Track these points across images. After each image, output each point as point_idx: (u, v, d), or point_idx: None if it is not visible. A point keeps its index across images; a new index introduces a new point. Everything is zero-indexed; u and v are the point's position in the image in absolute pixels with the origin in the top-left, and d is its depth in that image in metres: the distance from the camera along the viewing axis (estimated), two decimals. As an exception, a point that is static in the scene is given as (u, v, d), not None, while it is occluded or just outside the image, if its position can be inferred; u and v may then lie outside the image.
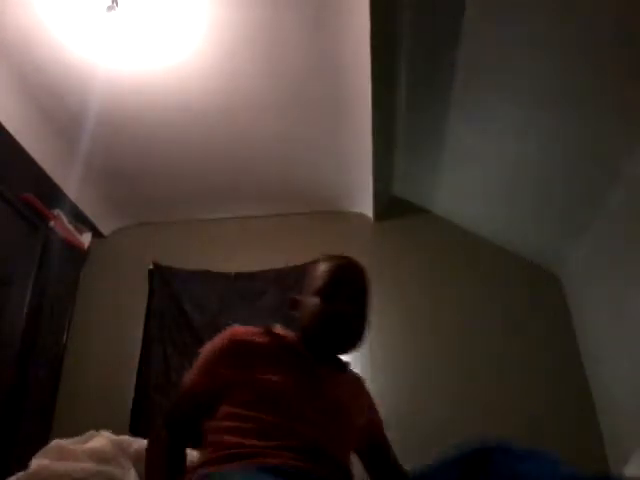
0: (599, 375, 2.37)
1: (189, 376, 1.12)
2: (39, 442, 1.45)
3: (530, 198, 2.39)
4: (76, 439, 1.43)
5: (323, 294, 1.12)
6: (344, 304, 1.11)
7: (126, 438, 1.57)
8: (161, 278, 3.00)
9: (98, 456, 1.33)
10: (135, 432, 2.44)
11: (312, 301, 1.13)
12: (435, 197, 2.86)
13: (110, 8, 1.80)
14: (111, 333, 2.92)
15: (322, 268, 1.17)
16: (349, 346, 1.14)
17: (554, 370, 2.50)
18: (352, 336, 1.13)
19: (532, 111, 1.95)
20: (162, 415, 1.16)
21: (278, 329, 1.17)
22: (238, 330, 1.14)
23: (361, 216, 3.06)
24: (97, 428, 1.67)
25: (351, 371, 1.25)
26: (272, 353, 1.09)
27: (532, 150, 2.11)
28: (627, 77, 1.65)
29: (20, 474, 1.18)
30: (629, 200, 1.98)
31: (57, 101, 2.30)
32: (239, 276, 2.96)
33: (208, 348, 1.13)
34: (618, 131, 1.83)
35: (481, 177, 2.46)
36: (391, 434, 1.29)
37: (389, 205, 2.98)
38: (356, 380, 1.26)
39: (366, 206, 2.95)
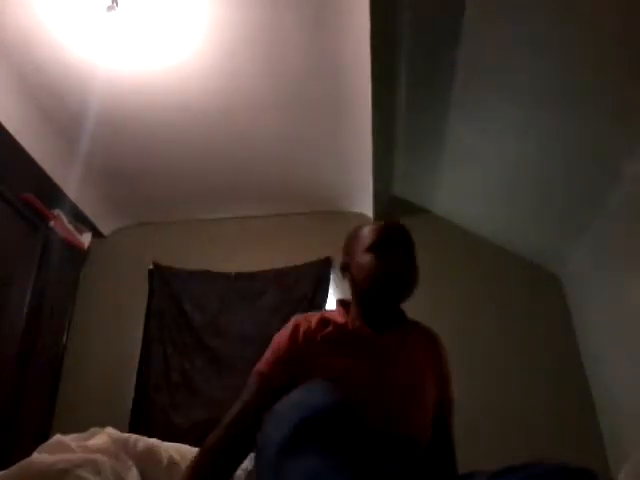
0: (599, 375, 2.37)
1: (260, 368, 1.13)
2: (39, 442, 1.45)
3: (530, 198, 2.39)
4: (78, 435, 1.43)
5: (376, 250, 1.15)
6: (398, 256, 1.14)
7: (132, 436, 1.58)
8: (161, 278, 3.00)
9: (98, 452, 1.33)
10: (135, 432, 2.45)
11: (365, 259, 1.15)
12: (435, 197, 2.86)
13: (110, 8, 1.79)
14: (111, 333, 2.92)
15: (368, 228, 1.21)
16: (407, 296, 1.16)
17: (554, 370, 2.50)
18: (409, 286, 1.15)
19: (532, 111, 1.95)
20: (224, 426, 1.08)
21: (334, 314, 1.19)
22: (300, 322, 1.17)
23: (361, 216, 3.06)
24: (97, 428, 1.67)
25: (421, 328, 1.26)
26: (333, 342, 1.12)
27: (532, 150, 2.11)
28: (627, 77, 1.65)
29: (10, 469, 1.18)
30: (629, 200, 1.98)
31: (57, 101, 2.30)
32: (239, 276, 2.96)
33: (276, 342, 1.16)
34: (618, 131, 1.83)
35: (481, 177, 2.46)
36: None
37: (389, 205, 2.98)
38: (427, 339, 1.25)
39: (366, 206, 2.95)
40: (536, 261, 2.74)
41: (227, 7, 1.89)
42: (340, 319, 1.17)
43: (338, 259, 3.19)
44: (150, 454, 1.52)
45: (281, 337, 1.16)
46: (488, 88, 1.96)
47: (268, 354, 1.15)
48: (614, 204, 2.08)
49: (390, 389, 1.06)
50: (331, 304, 2.80)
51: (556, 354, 2.54)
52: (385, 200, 2.94)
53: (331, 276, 2.87)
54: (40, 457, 1.23)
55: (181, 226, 3.18)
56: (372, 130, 2.22)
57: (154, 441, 1.63)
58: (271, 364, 1.13)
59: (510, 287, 2.74)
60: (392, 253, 1.14)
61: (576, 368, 2.49)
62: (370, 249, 1.16)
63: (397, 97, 2.15)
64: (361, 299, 1.19)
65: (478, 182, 2.51)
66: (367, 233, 1.20)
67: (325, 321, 1.16)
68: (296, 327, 1.16)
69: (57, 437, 1.34)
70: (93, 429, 1.48)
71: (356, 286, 1.20)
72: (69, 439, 1.37)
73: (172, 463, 1.58)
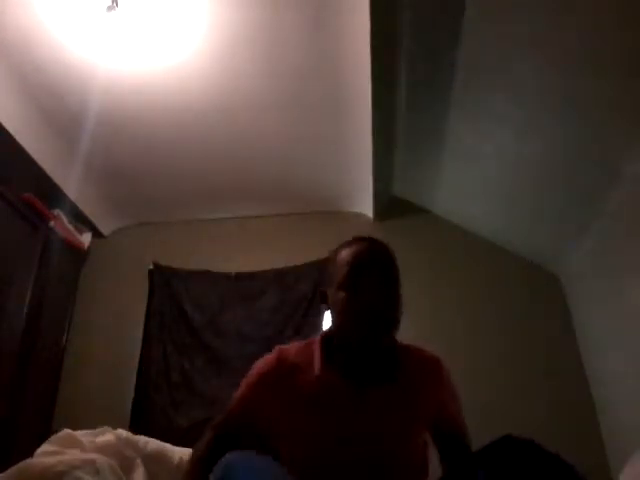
0: (599, 375, 2.37)
1: (235, 395, 1.16)
2: (39, 442, 1.45)
3: (530, 198, 2.39)
4: (88, 432, 1.43)
5: (346, 287, 1.05)
6: (370, 292, 1.03)
7: (142, 438, 1.58)
8: (161, 278, 3.00)
9: (103, 450, 1.33)
10: (135, 432, 2.44)
11: (338, 296, 1.07)
12: (435, 197, 2.86)
13: (110, 8, 1.79)
14: (111, 333, 2.92)
15: (342, 257, 1.11)
16: (386, 334, 1.06)
17: (554, 370, 2.50)
18: (387, 325, 1.06)
19: (532, 111, 1.95)
20: (211, 428, 1.18)
21: (311, 355, 1.12)
22: (282, 357, 1.13)
23: (361, 216, 3.06)
24: (97, 428, 1.67)
25: (416, 361, 1.15)
26: (302, 396, 1.07)
27: (532, 150, 2.11)
28: (627, 77, 1.65)
29: (8, 470, 1.18)
30: (629, 200, 1.98)
31: (57, 101, 2.30)
32: (239, 276, 2.96)
33: (254, 371, 1.15)
34: (618, 131, 1.83)
35: (481, 177, 2.46)
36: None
37: (389, 205, 2.98)
38: (424, 373, 1.14)
39: (366, 206, 2.95)
40: (536, 261, 2.74)
41: (227, 7, 1.89)
42: (315, 366, 1.09)
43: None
44: (160, 456, 1.52)
45: (251, 376, 1.15)
46: (488, 88, 1.96)
47: (240, 389, 1.16)
48: (614, 204, 2.08)
49: (360, 450, 1.02)
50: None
51: (556, 354, 2.54)
52: (385, 200, 2.94)
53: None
54: (38, 459, 1.23)
55: (181, 226, 3.18)
56: (372, 130, 2.22)
57: (163, 444, 1.63)
58: (238, 402, 1.15)
59: (510, 287, 2.74)
60: (364, 289, 1.04)
61: (576, 368, 2.49)
62: (341, 286, 1.06)
63: (397, 97, 2.15)
64: (338, 340, 1.11)
65: (478, 182, 2.51)
66: (340, 264, 1.10)
67: (297, 367, 1.10)
68: (269, 369, 1.12)
69: (66, 431, 1.34)
70: (103, 427, 1.48)
71: (333, 324, 1.13)
72: (79, 434, 1.37)
73: (182, 464, 1.58)
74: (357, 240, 1.13)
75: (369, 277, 1.05)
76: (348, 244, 1.13)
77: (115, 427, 1.83)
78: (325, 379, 1.07)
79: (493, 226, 2.76)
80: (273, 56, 2.09)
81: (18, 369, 2.39)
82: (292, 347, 1.17)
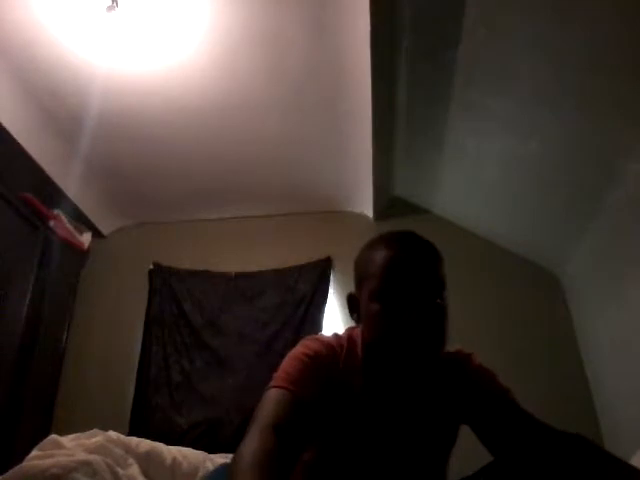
0: (599, 375, 2.37)
1: (289, 372, 0.92)
2: (39, 441, 1.45)
3: (530, 198, 2.39)
4: (78, 435, 1.43)
5: (382, 298, 0.88)
6: (413, 307, 0.85)
7: (134, 439, 1.58)
8: (161, 278, 3.00)
9: (94, 452, 1.33)
10: (135, 432, 2.45)
11: (372, 308, 0.90)
12: (435, 197, 2.86)
13: (110, 8, 1.79)
14: (111, 333, 2.92)
15: (377, 258, 0.91)
16: (431, 357, 0.89)
17: (554, 370, 2.50)
18: (432, 344, 0.88)
19: (532, 111, 1.95)
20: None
21: (351, 349, 0.98)
22: (327, 350, 0.97)
23: (361, 216, 3.06)
24: (97, 428, 1.67)
25: (448, 364, 1.02)
26: (350, 407, 0.95)
27: (532, 150, 2.11)
28: (627, 77, 1.65)
29: (3, 475, 1.18)
30: (629, 200, 1.98)
31: (57, 101, 2.30)
32: (239, 276, 2.96)
33: (306, 351, 0.95)
34: (618, 131, 1.83)
35: (481, 177, 2.46)
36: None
37: (389, 205, 2.98)
38: (454, 375, 1.01)
39: (366, 206, 2.95)
40: (536, 261, 2.74)
41: (227, 7, 1.89)
42: (357, 375, 0.97)
43: (338, 259, 3.18)
44: (153, 455, 1.52)
45: (305, 355, 0.94)
46: (488, 88, 1.96)
47: (292, 368, 0.92)
48: (614, 204, 2.08)
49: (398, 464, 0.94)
50: (331, 305, 2.80)
51: (556, 354, 2.54)
52: (385, 200, 2.94)
53: (331, 276, 2.87)
54: (33, 462, 1.22)
55: (181, 226, 3.18)
56: (372, 130, 2.22)
57: (156, 443, 1.63)
58: (299, 382, 0.90)
59: (510, 287, 2.73)
60: (405, 302, 0.86)
61: (576, 368, 2.49)
62: (375, 296, 0.89)
63: (397, 97, 2.15)
64: (375, 354, 0.95)
65: (478, 182, 2.51)
66: (375, 267, 0.91)
67: (340, 368, 0.96)
68: (321, 355, 0.95)
69: (52, 437, 1.34)
70: (94, 430, 1.48)
71: (363, 337, 0.97)
72: (66, 439, 1.36)
73: (175, 464, 1.58)
74: (396, 238, 0.94)
75: (411, 287, 0.87)
76: (385, 242, 0.93)
77: (115, 427, 1.83)
78: (367, 393, 0.96)
79: (493, 226, 2.76)
80: (273, 56, 2.09)
81: (18, 369, 2.39)
82: (326, 347, 0.98)
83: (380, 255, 0.91)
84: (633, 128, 1.77)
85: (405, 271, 0.88)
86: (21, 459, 1.24)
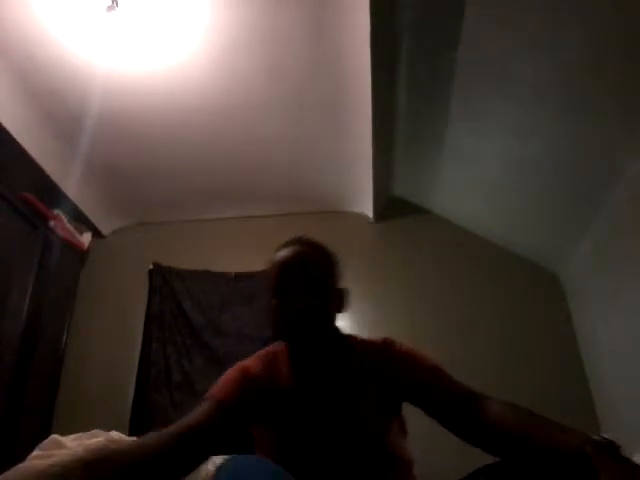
0: (599, 375, 2.37)
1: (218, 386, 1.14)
2: (40, 442, 1.45)
3: (530, 198, 2.39)
4: (79, 435, 1.42)
5: (276, 294, 1.11)
6: (295, 296, 1.08)
7: (134, 439, 1.57)
8: (161, 278, 3.00)
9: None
10: (135, 432, 2.44)
11: (271, 304, 1.14)
12: (435, 197, 2.86)
13: (110, 8, 1.79)
14: (111, 333, 2.92)
15: (272, 263, 1.18)
16: (315, 331, 1.08)
17: (554, 370, 2.50)
18: (313, 321, 1.07)
19: (532, 111, 1.95)
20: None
21: (277, 363, 1.16)
22: (248, 370, 1.16)
23: (361, 216, 3.06)
24: (97, 428, 1.67)
25: (364, 348, 1.13)
26: (280, 407, 1.08)
27: (532, 150, 2.11)
28: (627, 77, 1.65)
29: (2, 475, 1.17)
30: (629, 200, 1.98)
31: (57, 101, 2.30)
32: (239, 276, 2.96)
33: (230, 374, 1.17)
34: (618, 131, 1.83)
35: (481, 177, 2.46)
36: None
37: (389, 205, 2.99)
38: (373, 358, 1.11)
39: (366, 206, 2.95)
40: (536, 261, 2.74)
41: (227, 7, 1.89)
42: (282, 375, 1.13)
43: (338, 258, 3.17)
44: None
45: (227, 379, 1.14)
46: (488, 88, 1.96)
47: (220, 385, 1.14)
48: (614, 204, 2.08)
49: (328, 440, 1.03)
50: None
51: (556, 354, 2.54)
52: (385, 200, 2.94)
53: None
54: (33, 462, 1.21)
55: (181, 226, 3.18)
56: (372, 130, 2.22)
57: None
58: (225, 390, 1.11)
59: (510, 287, 2.74)
60: (290, 293, 1.09)
61: (576, 368, 2.49)
62: (272, 294, 1.13)
63: (397, 97, 2.15)
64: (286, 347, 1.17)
65: (478, 182, 2.51)
66: (270, 271, 1.18)
67: (264, 378, 1.13)
68: (243, 372, 1.14)
69: (53, 437, 1.33)
70: (96, 430, 1.47)
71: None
72: (67, 439, 1.36)
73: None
74: (285, 244, 1.20)
75: (293, 281, 1.09)
76: (277, 250, 1.20)
77: (115, 427, 1.82)
78: (292, 386, 1.10)
79: (493, 226, 2.76)
80: (273, 56, 2.09)
81: (18, 369, 2.39)
82: (255, 360, 1.21)
83: (270, 270, 1.16)
84: (633, 128, 1.77)
85: (289, 269, 1.12)
86: (22, 459, 1.24)
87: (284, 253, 1.17)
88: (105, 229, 3.21)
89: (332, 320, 1.13)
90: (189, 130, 2.48)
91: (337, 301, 1.15)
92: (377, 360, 1.11)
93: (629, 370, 2.06)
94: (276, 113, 2.38)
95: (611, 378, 2.25)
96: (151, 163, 2.72)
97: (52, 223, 2.70)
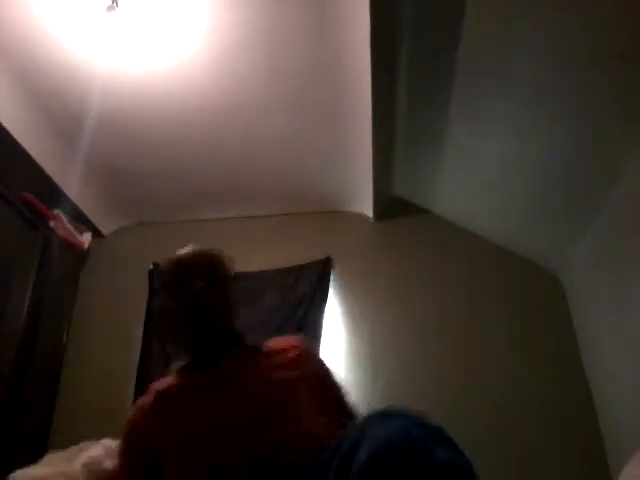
0: (599, 375, 2.37)
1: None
2: (40, 442, 1.45)
3: (530, 198, 2.39)
4: (71, 449, 1.42)
5: (162, 299, 1.25)
6: (171, 298, 1.22)
7: None
8: (161, 278, 3.00)
9: (90, 468, 1.32)
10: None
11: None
12: (435, 197, 2.86)
13: (110, 8, 1.80)
14: (111, 333, 2.92)
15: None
16: (197, 327, 1.17)
17: (554, 370, 2.50)
18: (192, 318, 1.17)
19: (532, 111, 1.95)
20: None
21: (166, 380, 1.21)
22: (148, 393, 1.20)
23: (361, 216, 3.06)
24: (96, 428, 1.67)
25: (266, 349, 1.21)
26: (167, 404, 1.13)
27: (532, 150, 2.11)
28: (627, 77, 1.65)
29: None
30: (629, 200, 1.98)
31: (57, 101, 2.30)
32: (239, 276, 2.95)
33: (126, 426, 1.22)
34: (618, 131, 1.83)
35: (481, 177, 2.46)
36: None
37: (389, 205, 2.98)
38: (279, 357, 1.18)
39: (366, 206, 2.95)
40: (536, 261, 2.74)
41: (227, 7, 1.89)
42: (169, 381, 1.19)
43: (338, 259, 3.18)
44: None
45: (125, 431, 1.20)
46: (488, 88, 1.96)
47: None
48: (614, 204, 2.08)
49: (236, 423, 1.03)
50: (331, 305, 2.80)
51: (556, 354, 2.54)
52: (385, 200, 2.94)
53: (331, 276, 2.87)
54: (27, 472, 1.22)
55: (181, 226, 3.18)
56: (372, 130, 2.22)
57: None
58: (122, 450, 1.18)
59: (510, 287, 2.73)
60: (167, 296, 1.23)
61: (576, 368, 2.49)
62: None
63: (397, 97, 2.15)
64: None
65: (478, 182, 2.51)
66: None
67: (161, 391, 1.17)
68: (135, 415, 1.19)
69: (49, 455, 1.34)
70: (85, 443, 1.47)
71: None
72: (61, 455, 1.36)
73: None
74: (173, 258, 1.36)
75: (168, 285, 1.27)
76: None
77: (115, 427, 1.82)
78: (179, 384, 1.15)
79: (493, 226, 2.76)
80: (273, 56, 2.09)
81: (18, 369, 2.39)
82: (162, 379, 1.24)
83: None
84: (633, 128, 1.78)
85: (170, 278, 1.30)
86: (22, 459, 1.24)
87: (170, 261, 1.35)
88: (105, 229, 3.21)
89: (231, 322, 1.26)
90: (189, 130, 2.48)
91: (234, 305, 1.33)
92: (275, 359, 1.17)
93: (629, 370, 2.06)
94: (276, 113, 2.38)
95: (611, 378, 2.25)
96: (151, 163, 2.72)
97: (52, 223, 2.70)
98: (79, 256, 3.01)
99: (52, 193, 2.71)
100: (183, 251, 1.36)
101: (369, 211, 2.97)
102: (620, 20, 1.52)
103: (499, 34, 1.73)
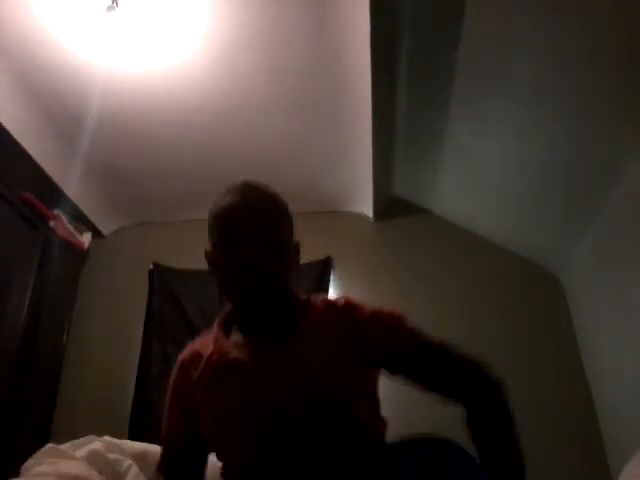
0: (599, 375, 2.37)
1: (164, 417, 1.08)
2: (40, 441, 1.44)
3: (530, 198, 2.39)
4: (73, 442, 1.42)
5: (220, 246, 0.99)
6: (244, 248, 0.93)
7: (126, 442, 1.57)
8: (161, 278, 3.00)
9: (93, 459, 1.32)
10: (135, 432, 2.45)
11: (214, 257, 1.01)
12: (435, 197, 2.86)
13: (110, 8, 1.79)
14: (111, 333, 2.92)
15: (215, 213, 1.03)
16: (266, 288, 0.95)
17: (554, 370, 2.50)
18: (266, 276, 0.94)
19: (532, 111, 1.95)
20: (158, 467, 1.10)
21: (207, 340, 1.04)
22: (184, 359, 1.05)
23: (361, 216, 3.06)
24: (97, 428, 1.67)
25: (318, 308, 1.01)
26: (205, 380, 0.97)
27: (532, 150, 2.11)
28: (627, 77, 1.65)
29: None
30: (629, 200, 1.98)
31: (57, 101, 2.30)
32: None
33: (170, 384, 1.07)
34: (618, 131, 1.83)
35: (481, 177, 2.46)
36: (390, 431, 1.15)
37: (389, 205, 2.98)
38: (330, 317, 0.99)
39: (366, 206, 2.95)
40: (536, 261, 2.74)
41: (227, 7, 1.89)
42: (209, 347, 1.00)
43: (338, 259, 3.18)
44: (147, 455, 1.51)
45: (169, 390, 1.07)
46: (488, 88, 1.96)
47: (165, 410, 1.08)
48: (614, 204, 2.08)
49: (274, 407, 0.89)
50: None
51: (556, 354, 2.54)
52: (385, 200, 2.94)
53: (331, 276, 2.87)
54: (43, 467, 1.21)
55: (181, 226, 3.18)
56: (372, 130, 2.22)
57: (150, 445, 1.63)
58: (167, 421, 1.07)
59: (510, 287, 2.73)
60: (238, 245, 0.93)
61: (576, 368, 2.49)
62: (216, 246, 1.01)
63: (397, 97, 2.15)
64: (232, 308, 1.07)
65: (478, 182, 2.51)
66: (213, 221, 1.03)
67: (197, 355, 1.02)
68: (179, 370, 1.04)
69: (49, 446, 1.33)
70: (89, 436, 1.47)
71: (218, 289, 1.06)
72: (63, 447, 1.35)
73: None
74: (229, 191, 1.03)
75: (242, 232, 0.94)
76: (220, 198, 1.03)
77: (115, 427, 1.83)
78: (223, 349, 0.97)
79: (493, 226, 2.76)
80: (273, 56, 2.09)
81: (18, 369, 2.39)
82: (199, 338, 1.09)
83: (216, 210, 1.02)
84: (633, 128, 1.78)
85: (235, 219, 0.97)
86: (22, 459, 1.24)
87: (229, 200, 1.00)
88: (105, 229, 3.21)
89: (288, 279, 1.04)
90: (189, 130, 2.48)
91: (294, 257, 1.08)
92: (340, 323, 0.97)
93: (629, 370, 2.06)
94: (276, 113, 2.38)
95: (611, 378, 2.25)
96: (151, 163, 2.72)
97: (52, 223, 2.70)
98: (79, 256, 3.01)
99: (52, 193, 2.71)
100: (236, 197, 1.00)
101: (369, 211, 2.97)
102: (620, 20, 1.52)
103: (499, 34, 1.73)
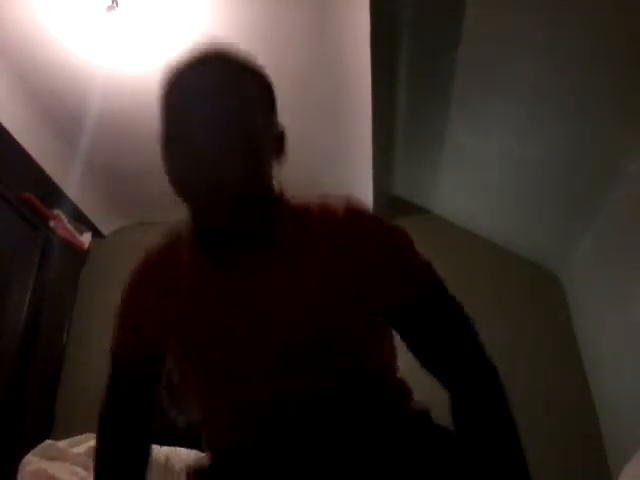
0: (599, 375, 2.37)
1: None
2: (39, 442, 1.45)
3: (530, 198, 2.39)
4: (72, 439, 1.42)
5: (167, 138, 0.77)
6: (198, 137, 0.71)
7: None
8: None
9: (92, 455, 1.32)
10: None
11: (162, 153, 0.78)
12: (435, 197, 2.86)
13: (110, 8, 1.80)
14: (111, 333, 2.91)
15: (162, 94, 0.77)
16: (232, 184, 0.70)
17: (554, 370, 2.50)
18: (232, 170, 0.69)
19: (532, 111, 1.95)
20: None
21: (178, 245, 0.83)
22: (145, 262, 0.86)
23: (361, 216, 3.05)
24: (96, 428, 1.67)
25: (315, 214, 0.81)
26: (171, 290, 0.80)
27: (532, 150, 2.11)
28: (627, 77, 1.65)
29: None
30: (629, 200, 1.98)
31: (57, 101, 2.30)
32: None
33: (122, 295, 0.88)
34: (618, 131, 1.83)
35: (481, 177, 2.46)
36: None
37: (389, 205, 2.98)
38: (327, 228, 0.79)
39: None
40: (536, 261, 2.74)
41: (227, 7, 1.89)
42: (181, 258, 0.81)
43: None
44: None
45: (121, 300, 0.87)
46: (488, 88, 1.96)
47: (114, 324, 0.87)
48: (614, 204, 2.08)
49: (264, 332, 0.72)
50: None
51: (556, 354, 2.54)
52: (385, 200, 2.93)
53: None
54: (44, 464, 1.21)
55: (181, 226, 3.18)
56: (372, 130, 2.22)
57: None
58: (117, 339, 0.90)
59: (510, 287, 2.73)
60: (191, 134, 0.71)
61: (576, 368, 2.49)
62: (162, 138, 0.76)
63: (397, 97, 2.15)
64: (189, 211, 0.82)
65: (478, 182, 2.51)
66: (160, 105, 0.75)
67: (164, 264, 0.83)
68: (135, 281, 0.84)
69: (48, 442, 1.33)
70: (87, 434, 1.47)
71: None
72: (61, 444, 1.35)
73: (169, 464, 1.57)
74: (184, 62, 0.77)
75: (194, 115, 0.71)
76: (172, 69, 0.78)
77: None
78: (194, 266, 0.79)
79: (493, 226, 2.76)
80: (273, 56, 2.08)
81: (18, 369, 2.39)
82: (158, 245, 0.88)
83: (164, 89, 0.76)
84: (633, 128, 1.77)
85: (187, 97, 0.73)
86: (21, 457, 1.24)
87: (178, 75, 0.75)
88: (105, 229, 3.21)
89: (264, 177, 0.78)
90: (189, 130, 2.47)
91: (275, 146, 0.80)
92: (337, 239, 0.77)
93: (630, 370, 2.06)
94: (276, 113, 2.38)
95: (611, 378, 2.25)
96: (151, 163, 2.69)
97: (52, 223, 2.70)
98: (79, 256, 3.01)
99: (52, 193, 2.71)
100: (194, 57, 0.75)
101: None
102: (620, 20, 1.52)
103: (499, 34, 1.73)
